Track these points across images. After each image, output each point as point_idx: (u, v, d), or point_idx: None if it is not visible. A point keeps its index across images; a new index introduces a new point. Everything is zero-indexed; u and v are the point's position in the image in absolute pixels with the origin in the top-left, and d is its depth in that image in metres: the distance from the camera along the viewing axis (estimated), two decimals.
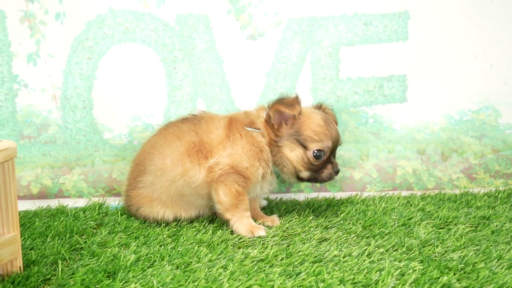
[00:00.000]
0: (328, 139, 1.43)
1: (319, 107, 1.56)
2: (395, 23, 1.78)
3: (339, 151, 1.84)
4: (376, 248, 1.27)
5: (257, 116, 1.52)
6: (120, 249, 1.31)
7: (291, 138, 1.44)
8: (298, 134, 1.43)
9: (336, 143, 1.47)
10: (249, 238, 1.40)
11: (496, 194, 1.77)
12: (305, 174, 1.47)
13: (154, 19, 1.76)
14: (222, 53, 1.79)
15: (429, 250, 1.26)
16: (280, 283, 1.06)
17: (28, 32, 1.75)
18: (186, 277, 1.11)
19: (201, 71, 1.79)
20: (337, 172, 1.49)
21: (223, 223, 1.51)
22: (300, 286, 1.06)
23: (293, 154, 1.44)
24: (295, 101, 1.44)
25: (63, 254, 1.26)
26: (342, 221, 1.52)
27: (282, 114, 1.44)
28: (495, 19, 1.78)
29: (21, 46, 1.75)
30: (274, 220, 1.55)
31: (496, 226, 1.45)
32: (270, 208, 1.69)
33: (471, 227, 1.45)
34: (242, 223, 1.45)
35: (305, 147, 1.43)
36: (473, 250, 1.25)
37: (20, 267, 1.14)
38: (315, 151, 1.43)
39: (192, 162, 1.46)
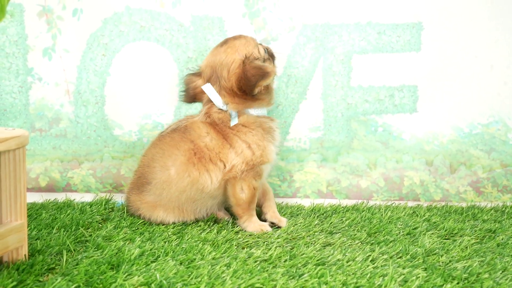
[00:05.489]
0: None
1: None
2: (409, 33, 1.79)
3: (347, 159, 1.84)
4: (380, 255, 1.27)
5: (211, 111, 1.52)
6: (125, 243, 1.32)
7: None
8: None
9: None
10: (256, 233, 1.46)
11: (503, 209, 1.76)
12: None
13: (170, 19, 1.78)
14: None
15: (433, 259, 1.25)
16: (283, 283, 1.07)
17: (45, 27, 1.77)
18: (189, 273, 1.11)
19: None
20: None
21: (228, 223, 1.52)
22: (303, 287, 1.06)
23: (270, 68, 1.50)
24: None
25: (68, 245, 1.27)
26: (347, 227, 1.52)
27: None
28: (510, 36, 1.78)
29: (38, 40, 1.77)
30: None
31: (502, 239, 1.44)
32: None
33: (477, 239, 1.45)
34: (251, 222, 1.51)
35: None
36: (478, 261, 1.24)
37: (25, 255, 1.15)
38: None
39: (199, 169, 1.47)
